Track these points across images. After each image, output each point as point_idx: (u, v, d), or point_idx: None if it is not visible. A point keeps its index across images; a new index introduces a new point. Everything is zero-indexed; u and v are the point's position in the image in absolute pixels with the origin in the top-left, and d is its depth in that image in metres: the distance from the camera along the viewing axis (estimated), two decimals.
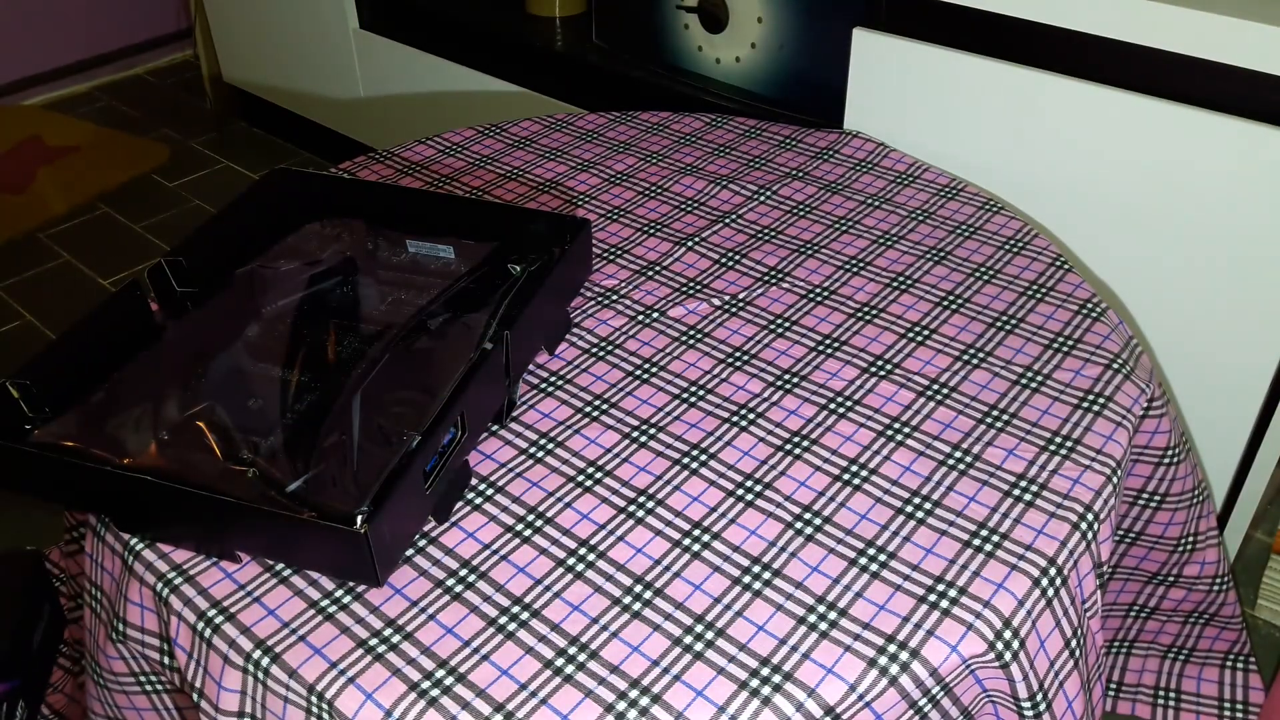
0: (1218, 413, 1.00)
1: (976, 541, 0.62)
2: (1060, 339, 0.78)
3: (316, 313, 0.76)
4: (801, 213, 0.95)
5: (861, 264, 0.88)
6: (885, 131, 1.09)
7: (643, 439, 0.70)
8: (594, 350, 0.79)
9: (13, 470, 0.63)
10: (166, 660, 0.63)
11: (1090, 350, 0.77)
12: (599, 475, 0.68)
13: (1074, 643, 0.61)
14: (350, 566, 0.58)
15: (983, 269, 0.87)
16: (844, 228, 0.93)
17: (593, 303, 0.84)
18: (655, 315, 0.82)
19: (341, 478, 0.61)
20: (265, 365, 0.71)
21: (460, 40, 1.55)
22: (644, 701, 0.53)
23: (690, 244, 0.91)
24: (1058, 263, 0.87)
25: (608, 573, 0.61)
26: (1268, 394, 0.96)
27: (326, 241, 0.83)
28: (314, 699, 0.55)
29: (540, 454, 0.69)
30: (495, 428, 0.72)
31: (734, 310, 0.83)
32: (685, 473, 0.68)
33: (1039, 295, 0.83)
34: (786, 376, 0.76)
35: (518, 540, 0.63)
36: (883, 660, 0.55)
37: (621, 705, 0.53)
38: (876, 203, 0.97)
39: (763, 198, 0.98)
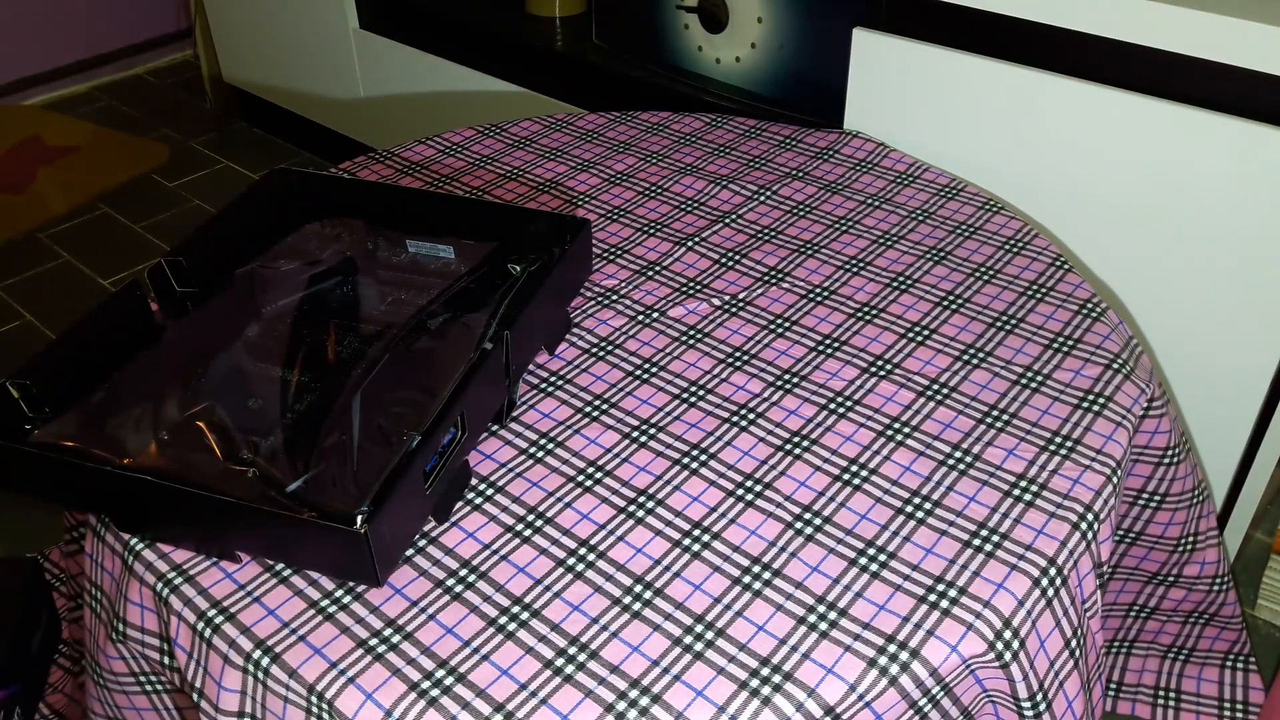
0: (1218, 413, 1.00)
1: (976, 541, 0.62)
2: (1060, 339, 0.78)
3: (316, 313, 0.76)
4: (801, 213, 0.95)
5: (861, 264, 0.88)
6: (885, 131, 1.09)
7: (643, 439, 0.70)
8: (594, 350, 0.79)
9: (13, 470, 0.63)
10: (166, 660, 0.63)
11: (1090, 350, 0.77)
12: (599, 475, 0.68)
13: (1074, 643, 0.61)
14: (350, 566, 0.58)
15: (983, 269, 0.87)
16: (844, 228, 0.93)
17: (593, 303, 0.84)
18: (655, 315, 0.82)
19: (341, 478, 0.61)
20: (265, 365, 0.71)
21: (460, 40, 1.55)
22: (644, 701, 0.53)
23: (690, 244, 0.91)
24: (1058, 263, 0.87)
25: (608, 573, 0.61)
26: (1268, 394, 0.96)
27: (326, 241, 0.83)
28: (314, 699, 0.55)
29: (540, 454, 0.69)
30: (495, 428, 0.72)
31: (734, 310, 0.83)
32: (685, 473, 0.68)
33: (1039, 295, 0.83)
34: (786, 376, 0.76)
35: (518, 540, 0.63)
36: (883, 660, 0.55)
37: (621, 705, 0.53)
38: (876, 203, 0.97)
39: (763, 198, 0.98)
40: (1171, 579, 0.88)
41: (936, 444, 0.69)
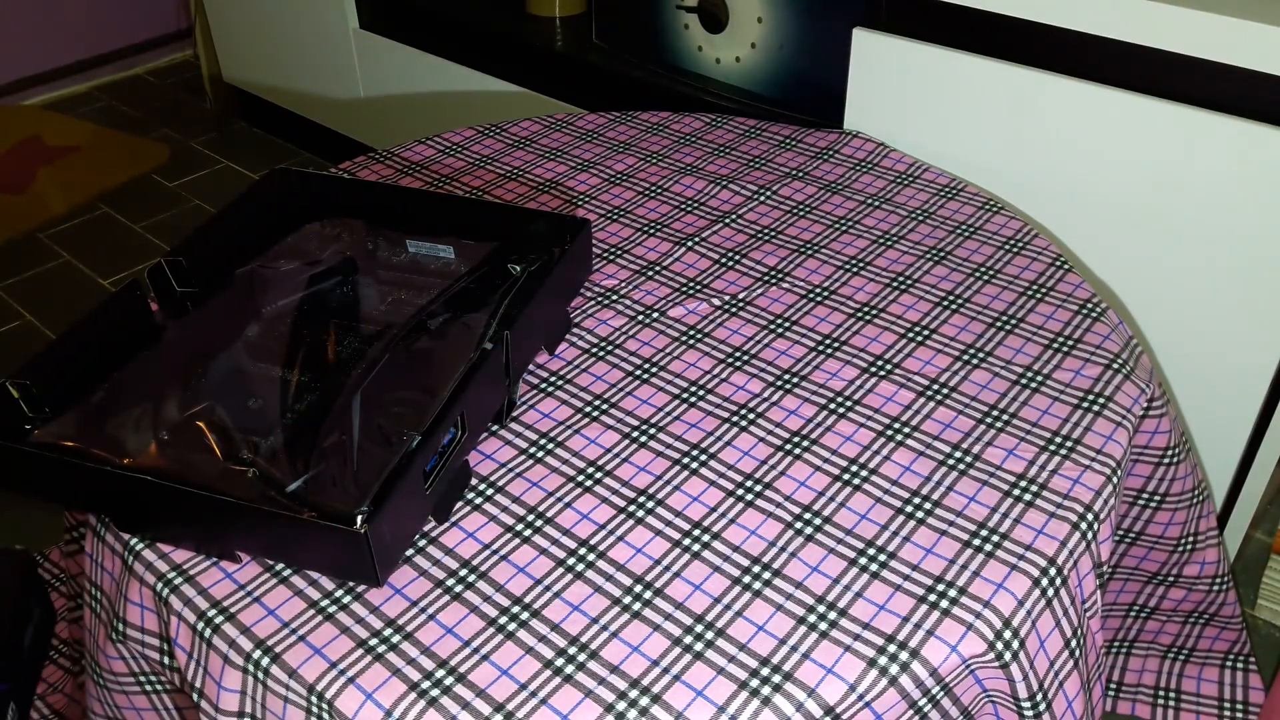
0: (1218, 413, 1.00)
1: (976, 541, 0.62)
2: (1060, 339, 0.78)
3: (316, 313, 0.76)
4: (801, 213, 0.95)
5: (861, 264, 0.88)
6: (885, 131, 1.09)
7: (643, 439, 0.70)
8: (594, 350, 0.79)
9: (13, 470, 0.63)
10: (166, 660, 0.63)
11: (1090, 350, 0.77)
12: (599, 475, 0.68)
13: (1074, 643, 0.61)
14: (350, 566, 0.58)
15: (983, 269, 0.87)
16: (844, 228, 0.93)
17: (593, 303, 0.84)
18: (655, 315, 0.82)
19: (341, 478, 0.61)
20: (265, 365, 0.71)
21: (460, 40, 1.55)
22: (644, 701, 0.53)
23: (690, 244, 0.91)
24: (1058, 263, 0.87)
25: (608, 573, 0.61)
26: (1268, 394, 0.96)
27: (326, 241, 0.83)
28: (314, 699, 0.55)
29: (540, 454, 0.69)
30: (495, 428, 0.72)
31: (734, 310, 0.83)
32: (685, 473, 0.68)
33: (1039, 295, 0.83)
34: (786, 376, 0.76)
35: (518, 540, 0.63)
36: (883, 660, 0.55)
37: (621, 705, 0.53)
38: (876, 203, 0.97)
39: (763, 198, 0.98)
40: (1171, 579, 0.88)
41: (936, 444, 0.69)
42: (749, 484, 0.67)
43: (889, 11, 1.06)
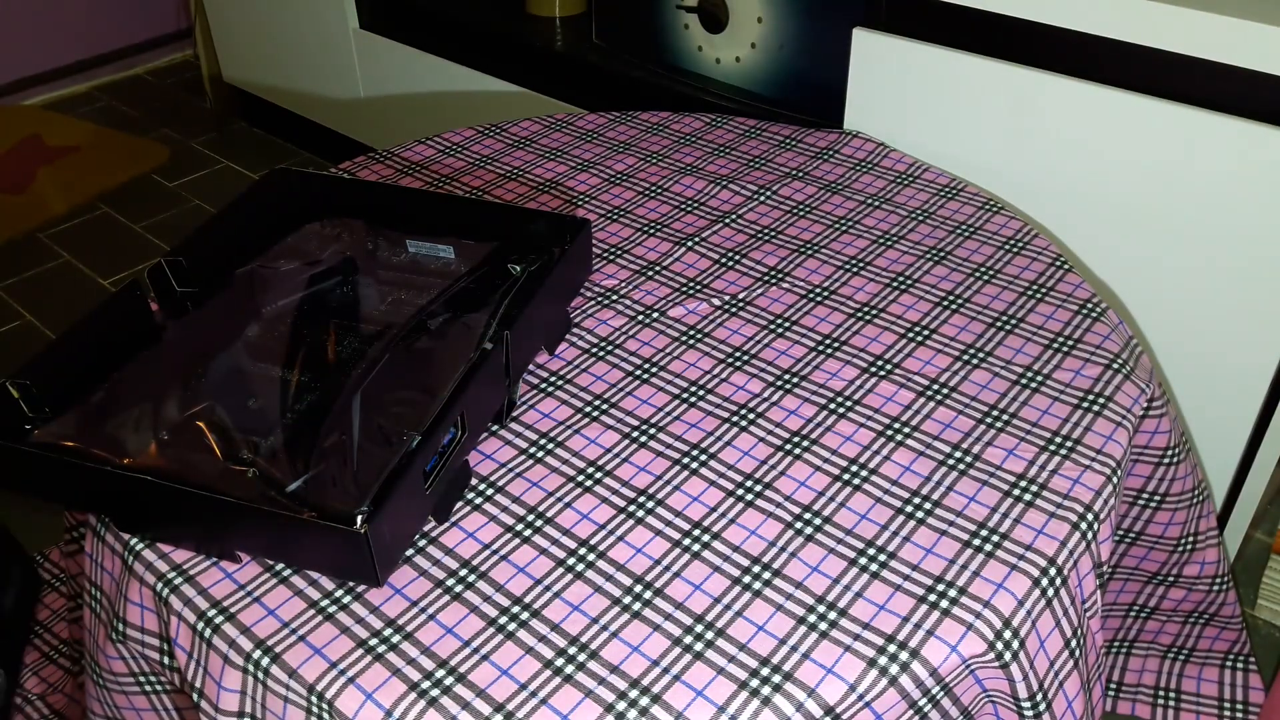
0: (1218, 413, 1.00)
1: (976, 541, 0.62)
2: (1060, 339, 0.78)
3: (316, 313, 0.76)
4: (801, 213, 0.95)
5: (861, 264, 0.88)
6: (885, 131, 1.09)
7: (643, 439, 0.70)
8: (594, 350, 0.79)
9: (13, 470, 0.63)
10: (166, 660, 0.63)
11: (1090, 350, 0.77)
12: (599, 475, 0.68)
13: (1074, 643, 0.61)
14: (350, 566, 0.58)
15: (983, 269, 0.87)
16: (844, 228, 0.93)
17: (593, 303, 0.84)
18: (655, 315, 0.82)
19: (341, 478, 0.61)
20: (265, 365, 0.71)
21: (460, 40, 1.55)
22: (644, 701, 0.53)
23: (690, 244, 0.91)
24: (1058, 263, 0.87)
25: (608, 573, 0.61)
26: (1268, 394, 0.96)
27: (326, 241, 0.83)
28: (314, 699, 0.55)
29: (540, 454, 0.69)
30: (495, 428, 0.72)
31: (734, 310, 0.83)
32: (685, 473, 0.68)
33: (1039, 295, 0.83)
34: (786, 376, 0.76)
35: (518, 540, 0.63)
36: (883, 660, 0.55)
37: (621, 705, 0.53)
38: (876, 203, 0.97)
39: (763, 198, 0.98)
40: (1171, 579, 0.88)
41: (936, 444, 0.69)
42: (749, 484, 0.67)
43: (889, 11, 1.06)
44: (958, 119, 1.04)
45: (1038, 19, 0.95)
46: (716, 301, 0.84)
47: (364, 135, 1.85)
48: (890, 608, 0.58)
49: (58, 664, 1.04)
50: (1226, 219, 0.91)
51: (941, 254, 0.89)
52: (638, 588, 0.60)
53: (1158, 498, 0.80)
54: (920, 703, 0.56)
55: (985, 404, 0.72)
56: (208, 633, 0.58)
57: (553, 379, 0.76)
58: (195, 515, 0.59)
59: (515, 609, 0.59)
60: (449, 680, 0.55)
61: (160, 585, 0.61)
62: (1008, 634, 0.57)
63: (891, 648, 0.56)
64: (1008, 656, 0.57)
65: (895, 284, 0.85)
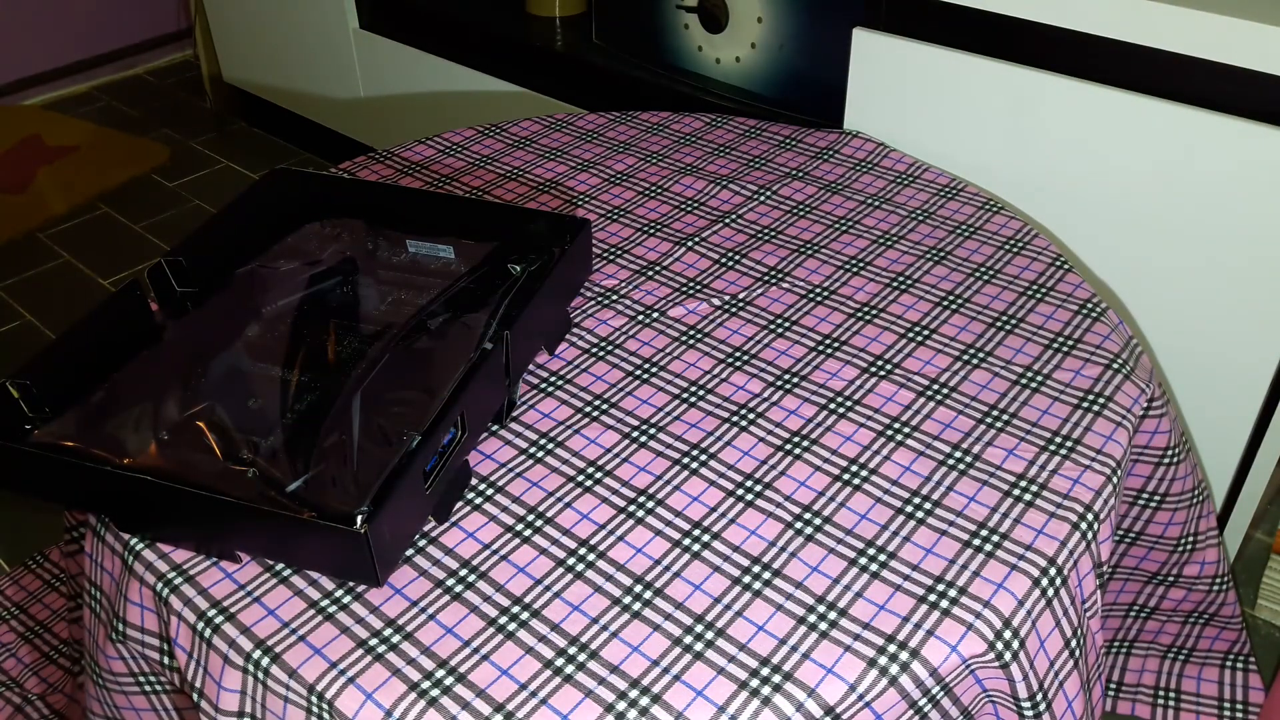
0: (1218, 413, 1.00)
1: (976, 541, 0.62)
2: (1060, 339, 0.78)
3: (316, 313, 0.76)
4: (801, 213, 0.95)
5: (861, 264, 0.88)
6: (885, 131, 1.09)
7: (643, 439, 0.70)
8: (594, 350, 0.79)
9: (13, 470, 0.63)
10: (166, 660, 0.63)
11: (1090, 350, 0.77)
12: (599, 475, 0.68)
13: (1074, 643, 0.61)
14: (350, 566, 0.58)
15: (983, 269, 0.87)
16: (844, 228, 0.93)
17: (593, 303, 0.84)
18: (655, 315, 0.82)
19: (341, 478, 0.61)
20: (265, 365, 0.71)
21: (460, 40, 1.55)
22: (644, 701, 0.53)
23: (690, 244, 0.91)
24: (1058, 263, 0.87)
25: (608, 573, 0.61)
26: (1268, 394, 0.96)
27: (326, 241, 0.83)
28: (314, 699, 0.55)
29: (540, 454, 0.69)
30: (495, 428, 0.72)
31: (734, 310, 0.83)
32: (685, 473, 0.68)
33: (1039, 295, 0.83)
34: (786, 376, 0.76)
35: (518, 540, 0.63)
36: (883, 660, 0.55)
37: (621, 705, 0.53)
38: (876, 203, 0.97)
39: (763, 198, 0.98)
40: (1171, 579, 0.88)
41: (936, 444, 0.69)
42: (749, 484, 0.67)
43: (889, 11, 1.06)
44: (957, 119, 1.04)
45: (1038, 19, 0.95)
46: (716, 301, 0.84)
47: (364, 135, 1.85)
48: (890, 608, 0.58)
49: (58, 664, 1.04)
50: (1226, 219, 0.91)
51: (941, 254, 0.89)
52: (638, 588, 0.60)
53: (1158, 498, 0.80)
54: (920, 703, 0.56)
55: (985, 404, 0.72)
56: (208, 633, 0.58)
57: (553, 379, 0.76)
58: (195, 515, 0.59)
59: (515, 609, 0.59)
60: (449, 680, 0.55)
61: (160, 585, 0.61)
62: (1008, 634, 0.57)
63: (891, 648, 0.56)
64: (1008, 656, 0.57)
65: (895, 284, 0.85)
